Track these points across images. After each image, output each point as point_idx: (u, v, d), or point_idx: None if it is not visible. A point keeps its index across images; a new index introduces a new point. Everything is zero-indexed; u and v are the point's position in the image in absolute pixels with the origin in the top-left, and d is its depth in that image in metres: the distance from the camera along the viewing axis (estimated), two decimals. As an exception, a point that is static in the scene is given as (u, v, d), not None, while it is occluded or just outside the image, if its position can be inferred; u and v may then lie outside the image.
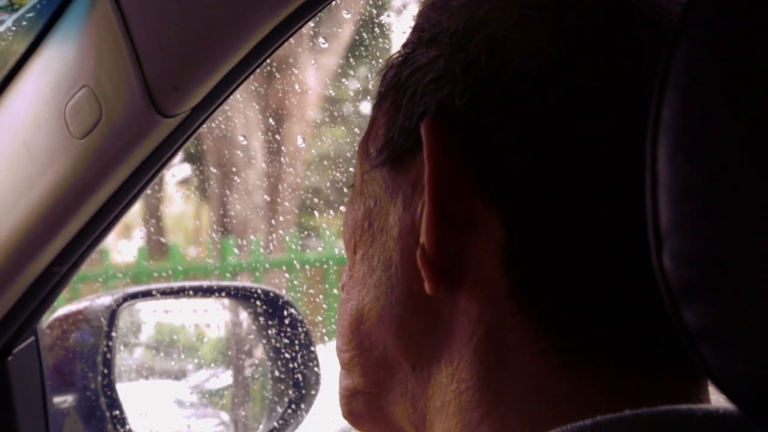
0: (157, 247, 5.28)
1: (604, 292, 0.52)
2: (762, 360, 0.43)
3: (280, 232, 4.58)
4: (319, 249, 4.18)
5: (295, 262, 4.08)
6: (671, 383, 0.52)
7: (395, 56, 0.60)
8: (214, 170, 4.91)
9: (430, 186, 0.54)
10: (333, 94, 5.40)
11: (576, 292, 0.52)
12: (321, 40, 5.00)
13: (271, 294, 1.80)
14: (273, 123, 4.83)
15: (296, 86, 5.04)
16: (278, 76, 4.79)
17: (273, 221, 4.71)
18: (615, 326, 0.52)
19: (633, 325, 0.52)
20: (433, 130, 0.54)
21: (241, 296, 1.86)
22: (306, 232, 4.70)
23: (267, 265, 4.31)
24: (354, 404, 0.61)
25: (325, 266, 4.03)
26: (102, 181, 0.98)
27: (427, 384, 0.56)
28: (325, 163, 4.82)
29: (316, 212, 4.94)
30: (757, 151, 0.42)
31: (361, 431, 0.63)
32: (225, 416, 2.67)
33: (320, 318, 3.54)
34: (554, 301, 0.52)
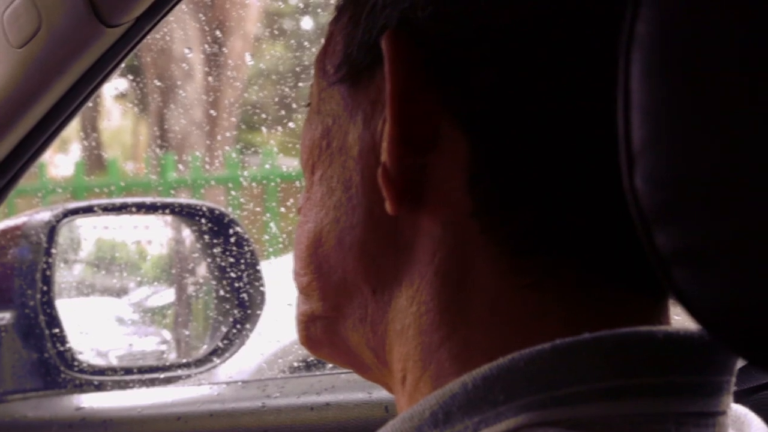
0: (95, 161, 5.22)
1: (572, 212, 0.49)
2: (734, 283, 0.41)
3: (227, 148, 4.52)
4: (267, 167, 4.13)
5: (241, 179, 4.04)
6: (637, 305, 0.51)
7: None
8: (158, 83, 4.82)
9: (392, 102, 0.51)
10: (281, 5, 5.32)
11: (543, 212, 0.50)
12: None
13: (217, 212, 1.78)
14: (219, 35, 4.74)
15: (242, -3, 4.94)
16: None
17: (219, 137, 4.65)
18: (582, 247, 0.50)
19: (601, 246, 0.50)
20: (394, 44, 0.51)
21: (186, 213, 1.83)
22: (251, 149, 4.65)
23: (212, 182, 4.27)
24: (312, 330, 0.59)
25: (272, 184, 4.00)
26: (41, 92, 0.96)
27: (387, 308, 0.54)
28: (274, 77, 4.75)
29: (263, 128, 4.89)
30: (737, 67, 0.40)
31: (319, 357, 0.62)
32: (167, 335, 2.65)
33: (267, 237, 3.52)
34: (520, 220, 0.50)
